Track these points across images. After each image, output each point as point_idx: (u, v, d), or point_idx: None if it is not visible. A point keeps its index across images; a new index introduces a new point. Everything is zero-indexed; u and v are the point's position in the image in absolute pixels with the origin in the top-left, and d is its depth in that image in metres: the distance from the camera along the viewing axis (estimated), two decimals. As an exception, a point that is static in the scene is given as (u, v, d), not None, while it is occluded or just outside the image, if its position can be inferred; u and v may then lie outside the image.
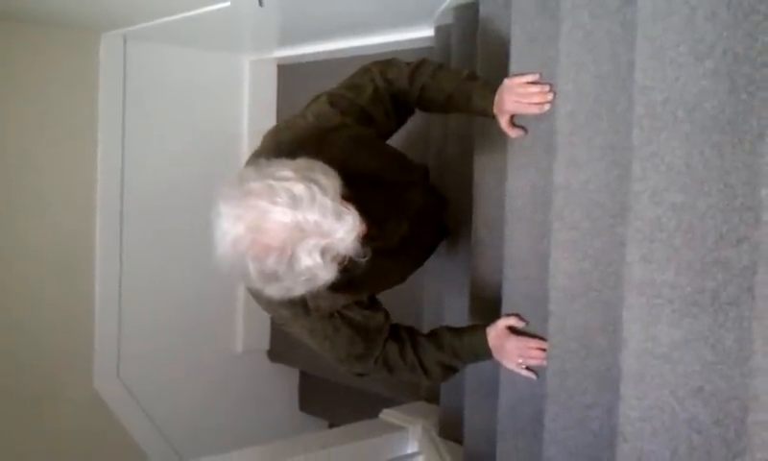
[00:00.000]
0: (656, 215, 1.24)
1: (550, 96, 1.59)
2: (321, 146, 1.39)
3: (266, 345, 3.87)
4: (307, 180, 1.17)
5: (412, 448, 2.52)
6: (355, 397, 3.54)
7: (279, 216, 1.14)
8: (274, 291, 1.23)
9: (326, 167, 1.24)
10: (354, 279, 1.34)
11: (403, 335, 1.70)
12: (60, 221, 3.05)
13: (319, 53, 3.38)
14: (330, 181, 1.20)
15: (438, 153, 2.56)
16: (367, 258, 1.23)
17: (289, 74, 3.73)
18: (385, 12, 2.73)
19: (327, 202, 1.17)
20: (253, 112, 3.67)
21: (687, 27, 1.20)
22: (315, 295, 1.37)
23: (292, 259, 1.17)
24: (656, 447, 1.25)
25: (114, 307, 3.24)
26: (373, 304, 1.65)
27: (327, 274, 1.20)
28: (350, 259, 1.23)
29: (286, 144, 1.44)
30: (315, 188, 1.16)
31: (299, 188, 1.16)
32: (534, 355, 1.66)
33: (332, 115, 1.52)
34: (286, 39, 3.44)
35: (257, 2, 2.44)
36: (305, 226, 1.15)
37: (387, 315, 1.67)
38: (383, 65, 1.65)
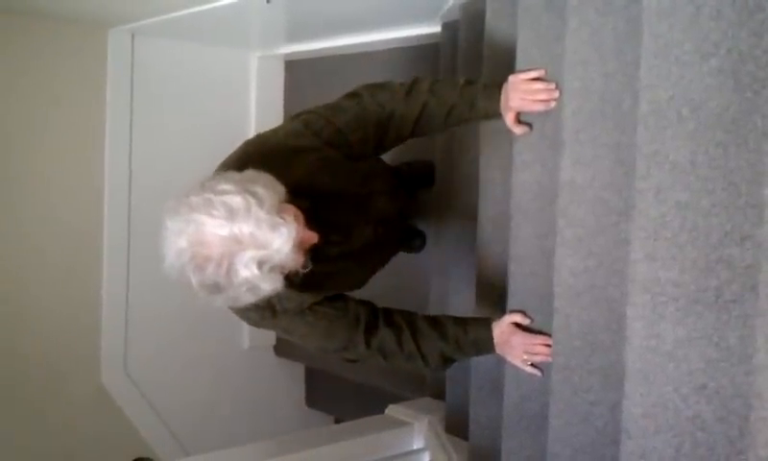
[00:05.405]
0: (660, 213, 1.24)
1: (556, 94, 1.59)
2: (287, 164, 1.41)
3: (272, 340, 3.89)
4: (245, 192, 1.20)
5: (418, 443, 2.52)
6: (361, 392, 3.55)
7: (216, 229, 1.17)
8: (220, 302, 1.26)
9: (270, 179, 1.26)
10: (318, 280, 1.36)
11: (399, 321, 1.68)
12: (68, 216, 3.06)
13: (326, 49, 3.38)
14: (269, 192, 1.22)
15: (444, 149, 2.57)
16: (308, 269, 1.26)
17: (296, 70, 3.73)
18: (392, 8, 2.74)
19: (262, 214, 1.18)
20: (261, 108, 3.68)
21: (692, 25, 1.20)
22: (281, 297, 1.40)
23: (230, 271, 1.19)
24: (659, 444, 1.26)
25: (122, 302, 3.25)
26: (342, 297, 1.65)
27: (269, 284, 1.23)
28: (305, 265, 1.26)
29: (254, 156, 1.45)
30: (252, 200, 1.19)
31: (236, 201, 1.18)
32: (539, 352, 1.67)
33: (303, 136, 1.52)
34: (293, 36, 3.45)
35: (264, -1, 2.45)
36: (242, 237, 1.18)
37: (363, 302, 1.66)
38: (374, 88, 1.63)
